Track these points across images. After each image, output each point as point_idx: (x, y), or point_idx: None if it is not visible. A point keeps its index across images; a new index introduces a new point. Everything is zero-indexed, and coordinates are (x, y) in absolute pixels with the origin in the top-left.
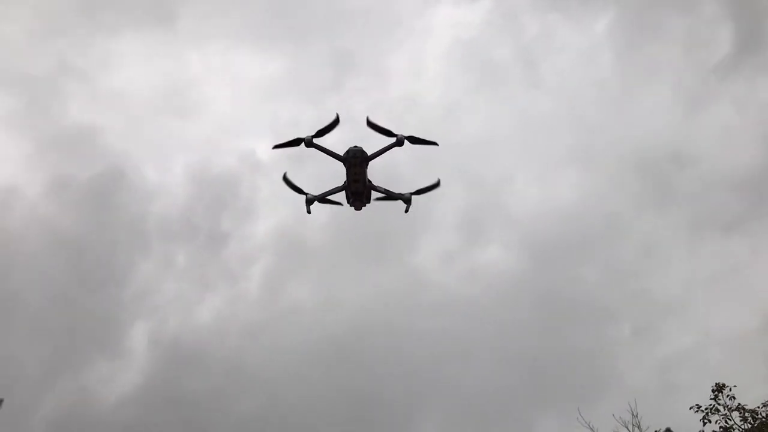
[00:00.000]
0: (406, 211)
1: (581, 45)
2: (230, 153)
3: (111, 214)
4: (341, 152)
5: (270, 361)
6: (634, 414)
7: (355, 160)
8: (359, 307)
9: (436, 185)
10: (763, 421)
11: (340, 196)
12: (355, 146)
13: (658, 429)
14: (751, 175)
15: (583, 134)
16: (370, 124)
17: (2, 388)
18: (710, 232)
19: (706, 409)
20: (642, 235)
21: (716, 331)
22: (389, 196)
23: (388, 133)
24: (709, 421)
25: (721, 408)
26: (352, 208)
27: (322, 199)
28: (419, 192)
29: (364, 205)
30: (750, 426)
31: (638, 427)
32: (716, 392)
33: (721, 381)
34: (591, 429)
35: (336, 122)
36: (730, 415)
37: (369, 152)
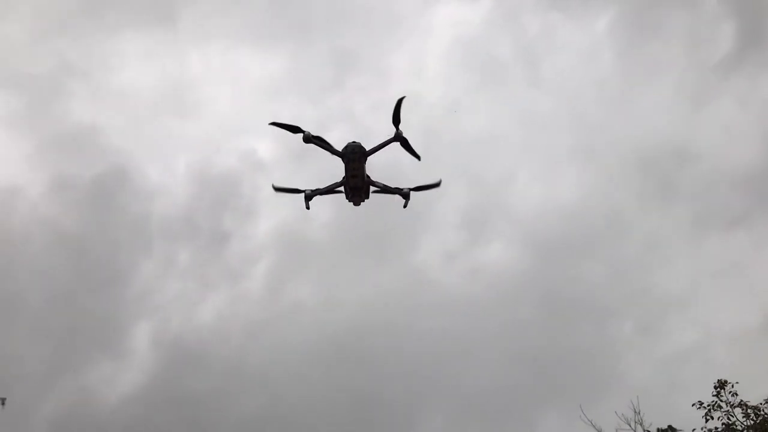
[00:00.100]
0: (405, 206)
1: (582, 43)
2: (231, 152)
3: (112, 213)
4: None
5: (271, 360)
6: (637, 411)
7: (354, 156)
8: (360, 307)
9: (437, 185)
10: (766, 417)
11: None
12: (354, 141)
13: (660, 426)
14: (754, 172)
15: (585, 132)
16: (398, 105)
17: (4, 387)
18: (713, 229)
19: (708, 405)
20: (644, 232)
21: (719, 328)
22: (387, 190)
23: (397, 122)
24: (712, 418)
25: (723, 405)
26: (351, 203)
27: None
28: (418, 189)
29: (363, 201)
30: (753, 422)
31: (641, 424)
32: (718, 389)
33: (724, 378)
34: (593, 426)
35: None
36: (733, 412)
37: (367, 148)
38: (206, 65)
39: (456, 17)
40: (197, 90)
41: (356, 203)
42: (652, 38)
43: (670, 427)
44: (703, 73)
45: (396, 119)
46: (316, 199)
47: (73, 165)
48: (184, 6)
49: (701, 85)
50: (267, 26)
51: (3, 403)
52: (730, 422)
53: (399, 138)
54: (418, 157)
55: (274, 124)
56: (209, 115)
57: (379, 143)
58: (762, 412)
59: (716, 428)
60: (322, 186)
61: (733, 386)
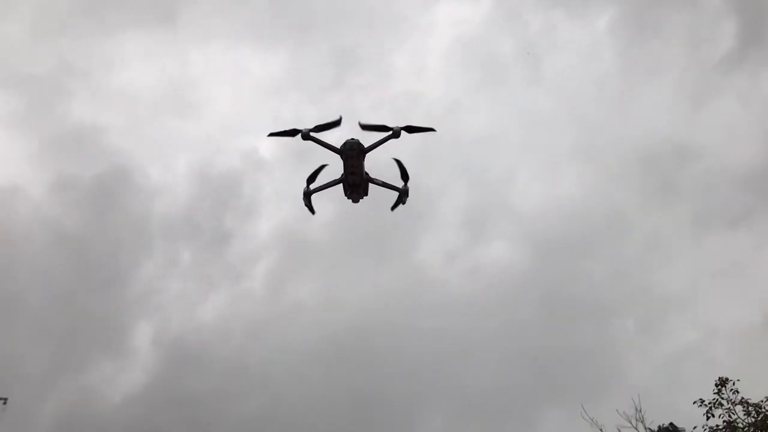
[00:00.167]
0: (403, 203)
1: (583, 42)
2: (232, 151)
3: (113, 213)
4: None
5: (272, 360)
6: (638, 409)
7: (352, 153)
8: (361, 306)
9: (432, 129)
10: (767, 415)
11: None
12: (352, 138)
13: (661, 424)
14: (756, 170)
15: (586, 131)
16: (364, 127)
17: (6, 387)
18: (714, 227)
19: (709, 403)
20: (646, 231)
21: (721, 327)
22: (386, 185)
23: (383, 128)
24: (713, 416)
25: (724, 402)
26: (350, 200)
27: (309, 198)
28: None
29: (362, 198)
30: (754, 420)
31: (642, 422)
32: (720, 387)
33: (725, 376)
34: (595, 425)
35: (337, 123)
36: (734, 410)
37: (366, 145)
38: (206, 65)
39: (456, 16)
40: (198, 90)
41: (355, 200)
42: (652, 37)
43: (671, 424)
44: (704, 71)
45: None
46: (316, 196)
47: (74, 165)
48: (184, 6)
49: (702, 84)
50: (267, 26)
51: (5, 403)
52: (731, 420)
53: (398, 134)
54: (432, 129)
55: (272, 135)
56: (210, 115)
57: (378, 140)
58: (763, 410)
59: (717, 426)
60: (321, 184)
61: (734, 384)
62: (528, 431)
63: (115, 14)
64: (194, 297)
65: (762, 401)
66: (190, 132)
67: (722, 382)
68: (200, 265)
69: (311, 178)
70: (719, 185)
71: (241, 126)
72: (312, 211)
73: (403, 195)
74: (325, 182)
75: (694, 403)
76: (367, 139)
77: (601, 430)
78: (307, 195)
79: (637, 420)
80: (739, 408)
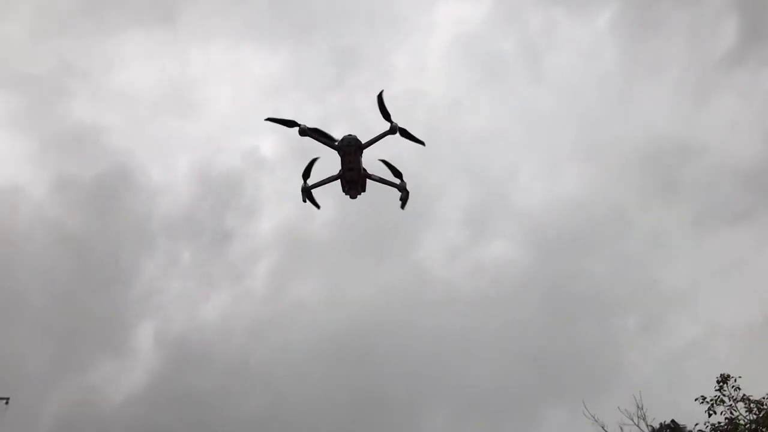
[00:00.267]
0: (406, 198)
1: (584, 39)
2: (233, 151)
3: (115, 213)
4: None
5: (274, 359)
6: (640, 407)
7: (350, 149)
8: (363, 305)
9: (422, 143)
10: None
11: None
12: (349, 134)
13: (663, 421)
14: (757, 167)
15: (587, 129)
16: (380, 99)
17: (8, 387)
18: (716, 224)
19: (711, 400)
20: (648, 228)
21: (723, 323)
22: (383, 181)
23: (387, 116)
24: (714, 413)
25: (726, 399)
26: (348, 196)
27: (310, 192)
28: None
29: (359, 194)
30: (755, 417)
31: (643, 419)
32: (721, 383)
33: (726, 373)
34: (596, 422)
35: (274, 120)
36: (735, 406)
37: (363, 141)
38: (207, 65)
39: (457, 15)
40: (198, 89)
41: (353, 196)
42: (653, 34)
43: (672, 422)
44: (705, 69)
45: (384, 113)
46: (317, 196)
47: (75, 165)
48: (184, 6)
49: (703, 82)
50: (268, 25)
51: (7, 403)
52: (733, 417)
53: (394, 130)
54: (422, 142)
55: (269, 119)
56: (210, 115)
57: (375, 136)
58: (765, 407)
59: (719, 423)
60: (319, 180)
61: (735, 381)
62: (530, 429)
63: (115, 14)
64: (195, 296)
65: (764, 398)
66: (191, 132)
67: (724, 379)
68: (201, 264)
69: (306, 173)
70: (720, 183)
71: (241, 125)
72: (316, 205)
73: (402, 191)
74: (323, 178)
75: (695, 400)
76: (365, 131)
77: (602, 427)
78: (305, 191)
79: (638, 417)
80: (740, 405)
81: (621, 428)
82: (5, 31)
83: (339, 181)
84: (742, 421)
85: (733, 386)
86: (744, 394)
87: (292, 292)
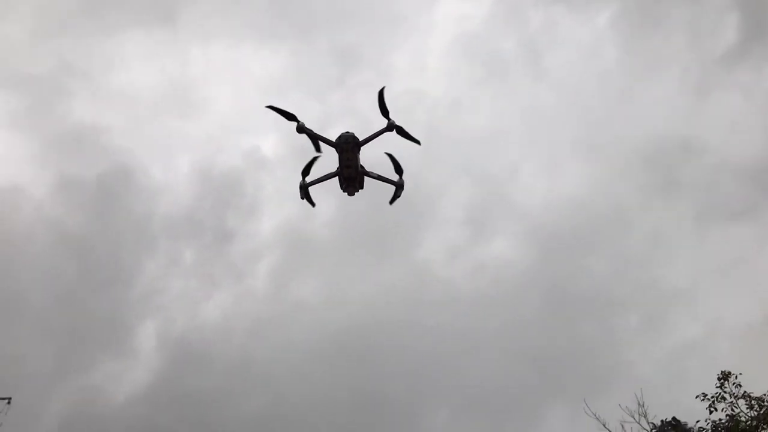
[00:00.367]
0: (398, 195)
1: (584, 38)
2: (234, 151)
3: (116, 213)
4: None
5: (275, 359)
6: (641, 404)
7: (347, 146)
8: (363, 304)
9: (418, 142)
10: None
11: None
12: (347, 132)
13: (664, 418)
14: (758, 165)
15: (589, 126)
16: (381, 96)
17: (11, 387)
18: (717, 221)
19: (712, 397)
20: (649, 225)
21: (723, 321)
22: (381, 179)
23: (385, 113)
24: (715, 410)
25: (727, 396)
26: (346, 193)
27: (307, 191)
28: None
29: (357, 191)
30: (756, 413)
31: (644, 416)
32: (722, 380)
33: (728, 370)
34: (598, 420)
35: (275, 109)
36: (736, 403)
37: (360, 138)
38: (207, 64)
39: (458, 13)
40: (199, 89)
41: (350, 193)
42: (654, 31)
43: (673, 419)
44: (706, 66)
45: (383, 110)
46: (315, 193)
47: (76, 165)
48: (185, 6)
49: (704, 79)
50: (268, 25)
51: (9, 403)
52: (734, 414)
53: (392, 127)
54: (417, 142)
55: (270, 107)
56: (211, 114)
57: (372, 134)
58: (766, 404)
59: (720, 420)
60: (317, 177)
61: (736, 378)
62: (532, 427)
63: (115, 14)
64: (197, 296)
65: (765, 395)
66: (192, 131)
67: (725, 376)
68: (202, 264)
69: (306, 171)
70: (721, 181)
71: (242, 125)
72: (312, 203)
73: (399, 188)
74: (321, 175)
75: (696, 397)
76: (365, 128)
77: (604, 425)
78: (304, 188)
79: (639, 415)
80: (741, 402)
81: (622, 426)
82: (6, 31)
83: (337, 178)
84: (743, 418)
85: (733, 383)
86: (745, 391)
87: (292, 291)
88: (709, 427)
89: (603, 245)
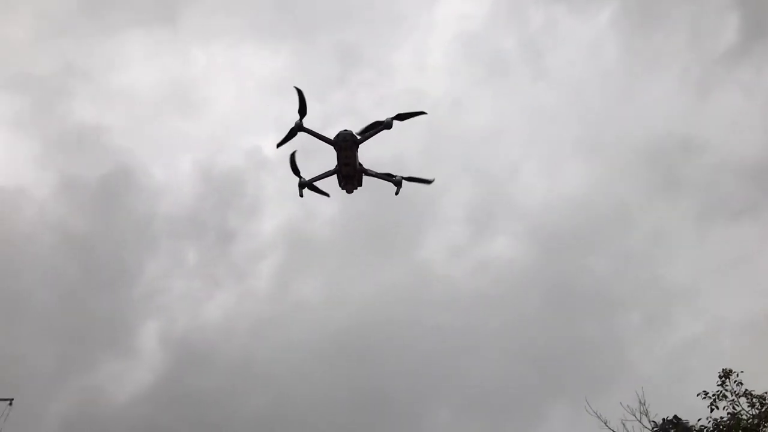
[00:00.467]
0: (396, 193)
1: (585, 36)
2: (235, 150)
3: (118, 213)
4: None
5: (277, 358)
6: (642, 402)
7: (345, 144)
8: (365, 304)
9: (430, 181)
10: None
11: (332, 181)
12: (345, 130)
13: (666, 416)
14: (760, 163)
15: (590, 124)
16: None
17: (12, 387)
18: (719, 219)
19: (713, 395)
20: (651, 224)
21: (725, 320)
22: (380, 176)
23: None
24: (717, 408)
25: (728, 394)
26: (344, 191)
27: (313, 185)
28: (411, 179)
29: (356, 189)
30: (758, 411)
31: (646, 414)
32: (723, 378)
33: (730, 368)
34: (599, 418)
35: (301, 94)
36: (738, 401)
37: (358, 136)
38: (209, 64)
39: (458, 12)
40: (200, 89)
41: (349, 191)
42: (655, 30)
43: (675, 417)
44: (707, 65)
45: (404, 117)
46: (318, 195)
47: (78, 165)
48: (186, 5)
49: (705, 77)
50: (269, 24)
51: (10, 404)
52: (735, 412)
53: (389, 126)
54: (423, 112)
55: (280, 145)
56: (212, 114)
57: (371, 132)
58: (767, 402)
59: (721, 418)
60: (315, 175)
61: (737, 376)
62: (532, 427)
63: (116, 14)
64: (199, 296)
65: (766, 393)
66: (193, 131)
67: (726, 374)
68: (204, 264)
69: (295, 170)
70: (723, 180)
71: (243, 125)
72: (323, 194)
73: (398, 185)
74: (320, 173)
75: (697, 395)
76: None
77: (605, 423)
78: (304, 185)
79: (641, 413)
80: (743, 400)
81: (623, 424)
82: (7, 32)
83: (336, 176)
84: (744, 416)
85: (735, 381)
86: (746, 389)
87: (294, 291)
88: (710, 425)
89: (604, 244)
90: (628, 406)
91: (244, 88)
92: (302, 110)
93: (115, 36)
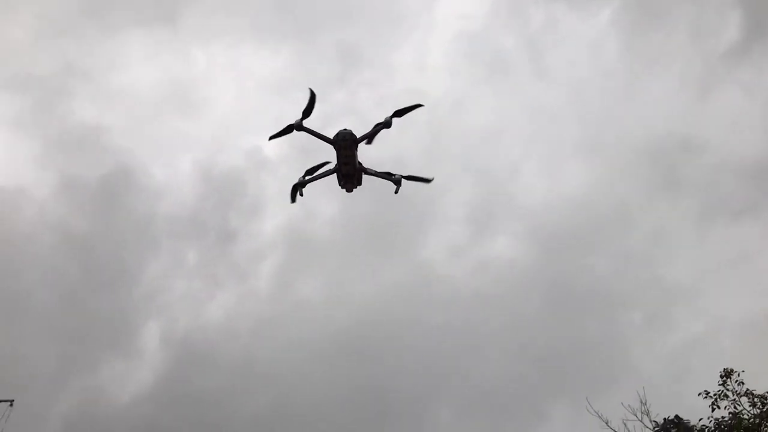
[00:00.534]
0: (396, 192)
1: (586, 35)
2: (236, 150)
3: (118, 213)
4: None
5: (279, 358)
6: (643, 402)
7: (345, 143)
8: (366, 303)
9: (429, 180)
10: None
11: (332, 179)
12: (345, 129)
13: (667, 416)
14: (761, 163)
15: (590, 124)
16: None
17: (13, 388)
18: (720, 219)
19: (714, 395)
20: (651, 223)
21: (726, 319)
22: (379, 175)
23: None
24: (718, 407)
25: (729, 394)
26: (344, 190)
27: (312, 180)
28: (410, 178)
29: (356, 188)
30: (759, 411)
31: (647, 415)
32: (725, 378)
33: (731, 367)
34: (600, 418)
35: (313, 96)
36: (739, 401)
37: (358, 135)
38: (209, 64)
39: (459, 12)
40: (201, 89)
41: (349, 190)
42: (656, 28)
43: (676, 417)
44: (708, 64)
45: (402, 113)
46: (315, 191)
47: (78, 165)
48: (186, 5)
49: (706, 76)
50: (270, 24)
51: (11, 405)
52: (736, 411)
53: (389, 125)
54: (420, 105)
55: (272, 138)
56: (213, 114)
57: (370, 130)
58: None
59: (722, 417)
60: (315, 175)
61: (739, 375)
62: (534, 426)
63: (116, 14)
64: (200, 296)
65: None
66: (194, 131)
67: (727, 373)
68: (205, 264)
69: (311, 171)
70: (724, 179)
71: (244, 125)
72: (294, 199)
73: (398, 183)
74: (319, 172)
75: (699, 395)
76: (364, 125)
77: (606, 423)
78: (301, 185)
79: (642, 413)
80: (744, 399)
81: (625, 424)
82: (7, 32)
83: (335, 175)
84: (745, 416)
85: (736, 381)
86: (747, 389)
87: (295, 291)
88: (711, 425)
89: (605, 244)
90: (629, 405)
91: (244, 88)
92: (307, 112)
93: (115, 36)
